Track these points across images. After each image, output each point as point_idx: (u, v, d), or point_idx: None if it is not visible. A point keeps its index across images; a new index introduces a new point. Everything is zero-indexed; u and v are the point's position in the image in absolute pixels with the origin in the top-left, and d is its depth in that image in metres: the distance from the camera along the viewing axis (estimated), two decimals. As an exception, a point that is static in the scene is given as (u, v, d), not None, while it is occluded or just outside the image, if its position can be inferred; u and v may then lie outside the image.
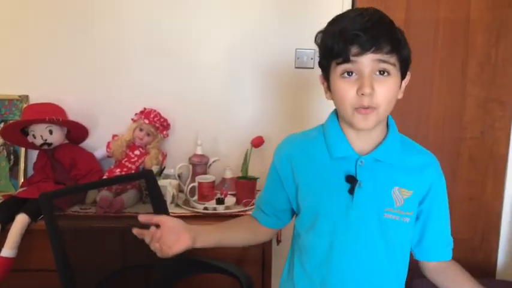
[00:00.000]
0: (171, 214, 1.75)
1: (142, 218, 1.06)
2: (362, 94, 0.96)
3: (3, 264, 1.65)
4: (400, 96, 1.05)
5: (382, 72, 0.97)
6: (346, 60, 0.96)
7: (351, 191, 1.04)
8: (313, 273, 1.11)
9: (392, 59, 0.97)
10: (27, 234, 1.72)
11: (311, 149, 1.11)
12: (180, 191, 2.01)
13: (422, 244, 1.15)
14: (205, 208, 1.87)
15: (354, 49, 0.95)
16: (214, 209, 1.86)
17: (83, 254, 1.54)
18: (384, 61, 0.96)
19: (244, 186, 1.95)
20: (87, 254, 1.57)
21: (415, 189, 1.07)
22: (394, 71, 0.98)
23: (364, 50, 0.94)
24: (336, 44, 0.96)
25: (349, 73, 0.98)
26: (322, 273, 1.10)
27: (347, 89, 0.98)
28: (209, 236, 1.13)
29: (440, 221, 1.14)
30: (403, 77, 1.03)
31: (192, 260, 1.63)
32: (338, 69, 0.99)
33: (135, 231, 1.05)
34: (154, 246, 1.03)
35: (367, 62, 0.95)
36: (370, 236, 1.06)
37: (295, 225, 1.19)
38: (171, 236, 1.04)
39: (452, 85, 2.19)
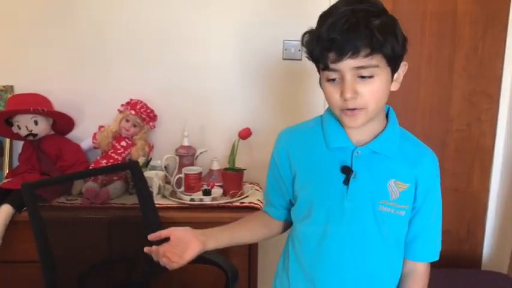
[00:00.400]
0: (157, 205, 1.75)
1: (151, 237, 1.08)
2: (345, 99, 0.96)
3: (-14, 256, 1.63)
4: (394, 88, 1.02)
5: (364, 76, 0.95)
6: (326, 67, 0.96)
7: (346, 182, 1.04)
8: (305, 264, 1.11)
9: (374, 60, 0.93)
10: (12, 225, 1.71)
11: (308, 139, 1.11)
12: (167, 182, 2.00)
13: (405, 239, 1.13)
14: (192, 199, 1.87)
15: (332, 55, 0.93)
16: (201, 200, 1.86)
17: (67, 246, 1.54)
18: (363, 67, 0.93)
19: (231, 177, 1.95)
20: (71, 245, 1.56)
21: (412, 182, 1.06)
22: (379, 70, 0.95)
23: (341, 56, 0.92)
24: (315, 50, 0.96)
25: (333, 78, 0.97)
26: (313, 264, 1.09)
27: (332, 92, 0.98)
28: (220, 237, 1.13)
29: (426, 220, 1.11)
30: (395, 69, 1.00)
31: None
32: (323, 73, 0.99)
33: (146, 249, 1.07)
34: (163, 261, 1.04)
35: (346, 68, 0.94)
36: (364, 228, 1.05)
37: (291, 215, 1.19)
38: (180, 245, 1.05)
39: (439, 77, 2.20)
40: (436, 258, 1.14)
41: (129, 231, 1.72)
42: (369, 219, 1.05)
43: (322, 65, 0.97)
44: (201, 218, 1.80)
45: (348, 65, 0.93)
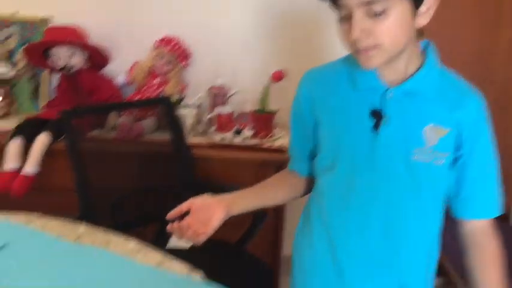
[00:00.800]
0: (189, 143, 1.77)
1: (171, 215, 0.98)
2: (353, 39, 0.85)
3: (24, 182, 1.70)
4: (422, 22, 0.88)
5: (374, 14, 0.83)
6: (334, 2, 0.86)
7: (376, 128, 0.93)
8: (329, 222, 1.01)
9: None
10: (49, 154, 1.77)
11: (333, 80, 1.00)
12: (199, 121, 2.02)
13: (458, 197, 0.99)
14: (223, 139, 1.88)
15: None
16: (232, 139, 1.87)
17: (101, 175, 1.59)
18: (372, 1, 0.81)
19: (262, 119, 1.95)
20: (105, 175, 1.61)
21: (453, 127, 0.93)
22: (393, 3, 0.82)
23: None
24: None
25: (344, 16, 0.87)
26: (338, 222, 1.00)
27: (343, 32, 0.88)
28: (245, 200, 1.04)
29: (481, 170, 0.97)
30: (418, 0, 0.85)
31: (208, 186, 1.66)
32: (335, 11, 0.89)
33: (168, 227, 0.97)
34: (188, 236, 0.95)
35: (353, 3, 0.83)
36: (396, 181, 0.94)
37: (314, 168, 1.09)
38: (203, 215, 0.96)
39: (484, 26, 2.10)
40: (499, 211, 0.99)
41: (160, 166, 1.76)
42: (401, 170, 0.93)
43: (329, 1, 0.87)
44: (231, 157, 1.82)
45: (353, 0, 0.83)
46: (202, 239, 0.95)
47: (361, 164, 0.95)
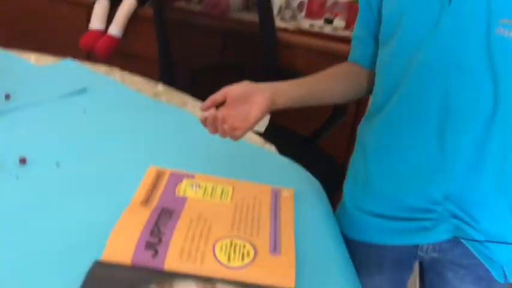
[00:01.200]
0: (276, 28, 1.68)
1: (204, 106, 0.80)
2: None
3: (108, 42, 1.70)
4: None
5: None
6: None
7: None
8: (378, 110, 0.85)
9: None
10: (133, 21, 1.74)
11: None
12: (288, 4, 1.90)
13: None
14: (312, 26, 1.77)
15: None
16: (321, 28, 1.76)
17: (184, 46, 1.56)
18: None
19: (357, 11, 1.79)
20: (188, 47, 1.58)
21: None
22: None
23: None
24: None
25: None
26: (387, 110, 0.82)
27: None
28: (293, 91, 0.86)
29: None
30: None
31: (289, 73, 1.59)
32: None
33: (201, 117, 0.79)
34: (223, 130, 0.78)
35: None
36: (470, 62, 0.72)
37: None
38: (242, 105, 0.79)
39: None
40: None
41: (243, 45, 1.70)
42: (477, 47, 0.71)
43: None
44: (318, 46, 1.72)
45: None
46: (238, 134, 0.79)
47: (426, 35, 0.75)
